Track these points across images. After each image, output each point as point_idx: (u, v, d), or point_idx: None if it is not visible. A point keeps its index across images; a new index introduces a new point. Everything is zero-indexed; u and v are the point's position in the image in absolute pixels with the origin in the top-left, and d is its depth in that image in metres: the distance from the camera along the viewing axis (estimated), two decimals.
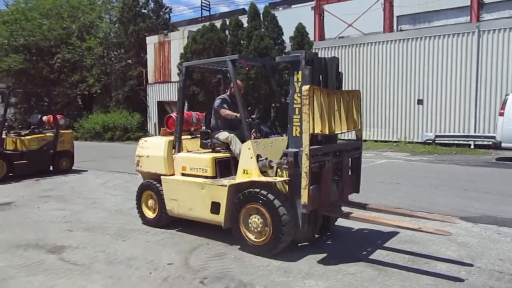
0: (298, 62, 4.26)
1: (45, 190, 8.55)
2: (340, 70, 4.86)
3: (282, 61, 4.76)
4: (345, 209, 5.00)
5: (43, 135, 10.58)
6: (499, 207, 6.40)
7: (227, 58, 5.09)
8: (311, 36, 18.56)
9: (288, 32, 17.77)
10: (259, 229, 4.42)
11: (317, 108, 4.14)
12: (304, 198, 4.11)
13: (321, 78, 4.59)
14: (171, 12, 28.02)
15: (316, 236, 4.94)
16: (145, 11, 26.00)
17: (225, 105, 5.30)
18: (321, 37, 20.86)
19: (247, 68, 5.48)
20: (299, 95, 4.18)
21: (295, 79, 4.28)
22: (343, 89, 4.95)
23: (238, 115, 5.02)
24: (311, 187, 4.12)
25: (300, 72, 4.24)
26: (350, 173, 4.98)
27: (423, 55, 16.29)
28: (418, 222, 4.74)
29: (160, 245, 4.88)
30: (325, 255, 4.40)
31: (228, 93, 5.53)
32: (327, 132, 4.31)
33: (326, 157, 4.44)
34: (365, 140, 17.18)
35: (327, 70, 4.64)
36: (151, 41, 23.81)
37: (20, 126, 12.00)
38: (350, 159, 4.94)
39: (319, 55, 4.67)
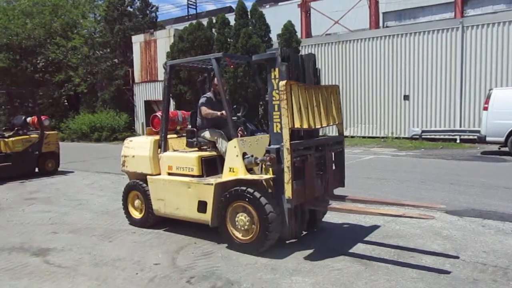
0: (274, 59, 4.28)
1: (30, 192, 8.43)
2: (317, 67, 4.91)
3: (259, 59, 4.67)
4: (331, 202, 5.02)
5: (27, 136, 10.42)
6: (484, 200, 6.50)
7: (211, 56, 5.06)
8: (298, 34, 18.56)
9: (274, 30, 17.75)
10: (246, 227, 4.42)
11: (295, 102, 4.17)
12: (288, 192, 4.13)
13: (298, 75, 4.58)
14: (158, 11, 27.71)
15: (304, 233, 4.96)
16: (131, 9, 25.75)
17: (207, 104, 5.26)
18: (308, 34, 20.91)
19: (231, 66, 5.44)
20: (277, 91, 4.21)
21: (273, 76, 4.31)
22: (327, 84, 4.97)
23: (219, 113, 5.01)
24: (294, 181, 4.15)
25: (277, 69, 4.27)
26: (334, 168, 5.01)
27: (409, 51, 16.44)
28: (402, 209, 4.79)
29: (147, 246, 4.85)
30: (312, 251, 4.42)
31: (212, 90, 5.50)
32: (306, 127, 4.33)
33: (308, 151, 4.47)
34: (352, 137, 17.32)
35: (304, 67, 4.66)
36: (137, 40, 23.62)
37: (4, 128, 11.77)
38: (333, 154, 4.99)
39: (307, 52, 4.66)
